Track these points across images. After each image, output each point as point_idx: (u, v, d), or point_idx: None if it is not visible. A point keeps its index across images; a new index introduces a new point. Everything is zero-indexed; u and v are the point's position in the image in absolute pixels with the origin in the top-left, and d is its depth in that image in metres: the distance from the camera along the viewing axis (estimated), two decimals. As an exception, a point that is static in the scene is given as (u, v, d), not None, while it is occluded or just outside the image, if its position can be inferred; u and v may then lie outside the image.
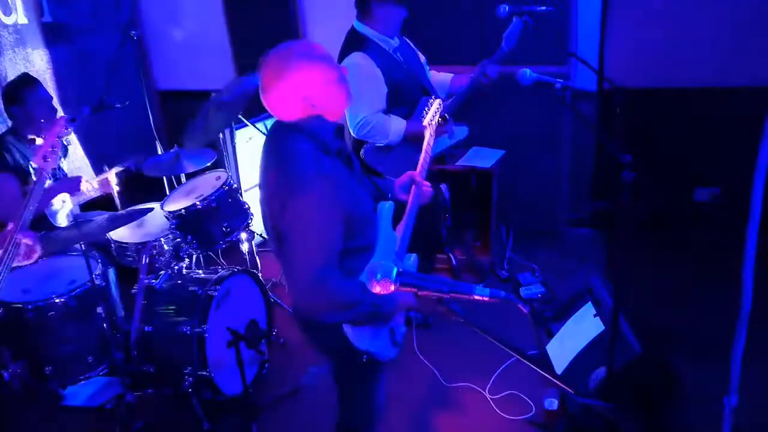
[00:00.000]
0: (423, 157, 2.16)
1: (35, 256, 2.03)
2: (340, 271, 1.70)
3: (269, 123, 3.73)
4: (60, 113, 3.34)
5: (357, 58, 2.84)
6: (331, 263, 1.68)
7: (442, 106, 2.34)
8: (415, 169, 2.12)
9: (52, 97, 3.15)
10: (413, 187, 2.05)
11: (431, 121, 2.28)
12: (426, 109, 2.32)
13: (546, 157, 4.15)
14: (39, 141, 2.12)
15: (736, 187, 3.78)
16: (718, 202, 4.03)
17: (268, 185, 1.77)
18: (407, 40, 3.13)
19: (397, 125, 2.92)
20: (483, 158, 3.72)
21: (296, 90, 1.69)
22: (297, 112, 1.72)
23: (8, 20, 3.66)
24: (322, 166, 1.68)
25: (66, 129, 2.13)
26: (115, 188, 3.18)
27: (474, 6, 3.91)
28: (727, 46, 3.69)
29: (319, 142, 1.73)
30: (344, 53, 2.90)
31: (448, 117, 2.87)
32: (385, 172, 2.91)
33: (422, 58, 3.18)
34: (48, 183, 3.13)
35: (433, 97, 2.28)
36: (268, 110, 1.76)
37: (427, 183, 2.08)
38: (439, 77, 3.22)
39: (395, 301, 1.79)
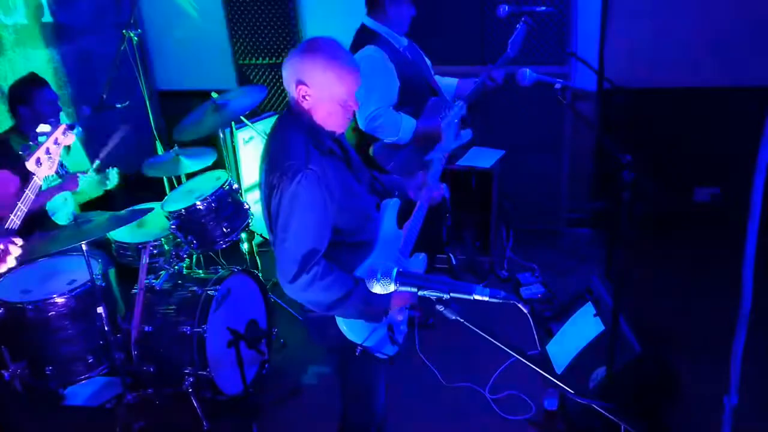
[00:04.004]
0: (437, 159, 2.16)
1: (8, 259, 1.90)
2: (328, 263, 1.73)
3: (269, 124, 3.73)
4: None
5: (371, 50, 2.83)
6: (315, 253, 1.71)
7: (464, 108, 2.33)
8: (421, 170, 2.13)
9: (58, 97, 3.15)
10: (424, 188, 2.07)
11: (450, 122, 2.25)
12: (444, 112, 2.29)
13: (546, 156, 4.14)
14: (43, 128, 2.07)
15: (736, 187, 3.78)
16: (718, 202, 4.04)
17: (263, 170, 1.81)
18: (413, 43, 3.12)
19: (407, 123, 2.91)
20: (483, 158, 3.71)
21: (303, 71, 1.72)
22: (291, 89, 1.76)
23: (8, 20, 3.66)
24: (310, 158, 1.71)
25: (64, 134, 2.08)
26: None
27: (474, 6, 3.91)
28: (727, 46, 3.69)
29: (313, 137, 1.77)
30: (356, 47, 2.88)
31: (467, 119, 2.87)
32: (392, 170, 2.90)
33: (428, 61, 3.17)
34: (50, 183, 3.15)
35: (456, 102, 2.30)
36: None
37: (440, 186, 2.10)
38: (445, 81, 3.21)
39: (387, 298, 1.78)
